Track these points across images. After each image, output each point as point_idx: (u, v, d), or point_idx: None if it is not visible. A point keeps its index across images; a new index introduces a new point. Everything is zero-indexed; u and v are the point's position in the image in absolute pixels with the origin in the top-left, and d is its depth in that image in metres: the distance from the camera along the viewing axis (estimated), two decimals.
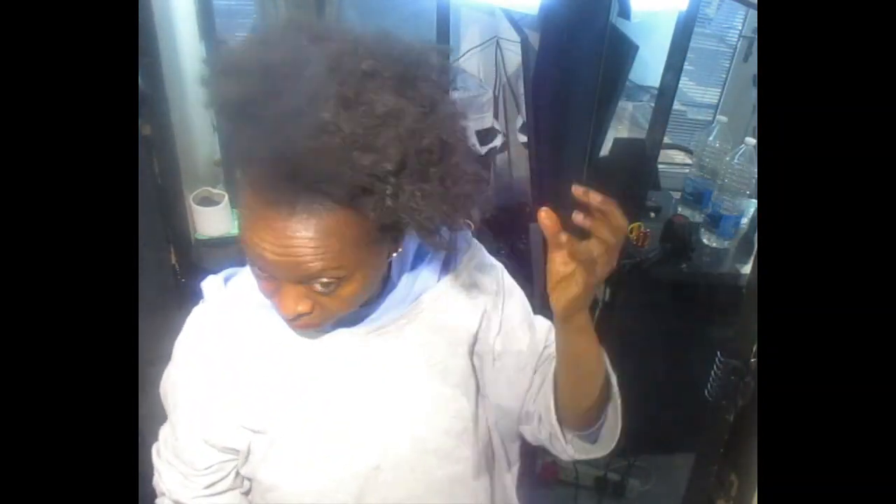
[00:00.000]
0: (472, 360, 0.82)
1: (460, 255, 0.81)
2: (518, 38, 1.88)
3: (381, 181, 0.58)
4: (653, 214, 1.92)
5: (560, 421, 0.78)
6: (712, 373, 1.21)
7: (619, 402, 0.77)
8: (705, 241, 1.81)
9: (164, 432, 0.85)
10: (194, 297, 0.85)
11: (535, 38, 1.79)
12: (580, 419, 0.78)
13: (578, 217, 0.60)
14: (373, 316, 0.76)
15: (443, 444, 0.79)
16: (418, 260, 0.79)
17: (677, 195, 2.01)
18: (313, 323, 0.69)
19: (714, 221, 1.77)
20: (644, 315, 1.73)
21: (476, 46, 2.07)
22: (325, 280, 0.64)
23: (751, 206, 1.80)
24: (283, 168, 0.56)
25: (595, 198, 0.60)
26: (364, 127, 0.56)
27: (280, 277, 0.65)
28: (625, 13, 1.68)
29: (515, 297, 0.84)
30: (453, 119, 0.63)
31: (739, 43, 2.84)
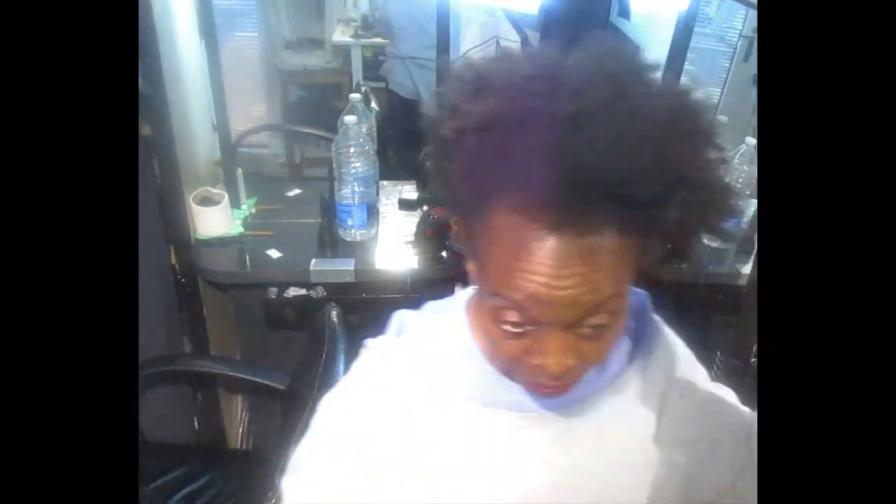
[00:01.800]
0: (660, 440, 0.71)
1: (653, 326, 0.74)
2: (518, 38, 1.88)
3: (683, 190, 0.53)
4: None
5: None
6: (712, 373, 1.21)
7: None
8: (705, 240, 1.80)
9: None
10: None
11: (535, 38, 1.79)
12: None
13: None
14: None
15: None
16: None
17: None
18: (572, 382, 0.60)
19: None
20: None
21: (476, 46, 2.07)
22: (599, 318, 0.56)
23: (751, 206, 1.80)
24: (588, 182, 0.50)
25: None
26: (675, 132, 0.52)
27: (547, 320, 0.55)
28: (625, 13, 1.69)
29: (694, 367, 0.76)
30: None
31: (739, 43, 2.84)
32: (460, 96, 0.57)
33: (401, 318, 0.74)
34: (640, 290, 0.74)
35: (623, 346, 0.73)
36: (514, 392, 0.66)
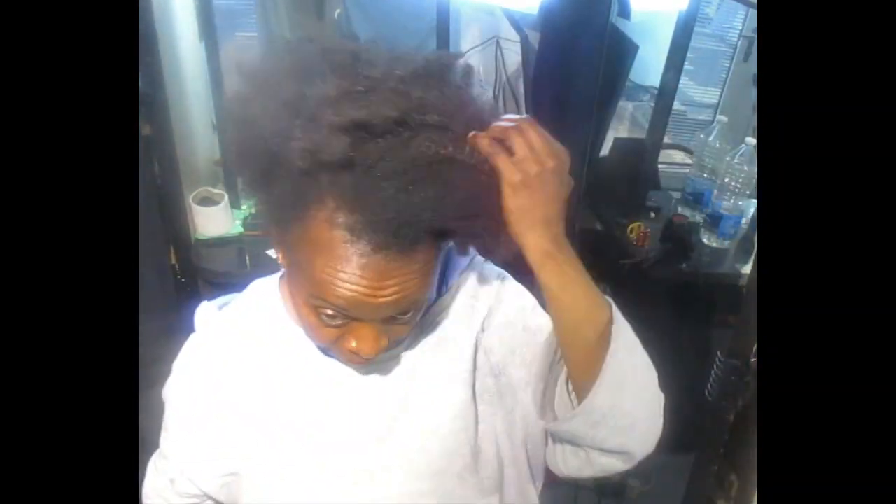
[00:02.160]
0: (472, 379, 0.75)
1: (459, 267, 0.77)
2: (518, 38, 1.88)
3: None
4: (653, 214, 1.92)
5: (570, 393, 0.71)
6: (712, 373, 1.21)
7: (631, 352, 0.68)
8: (705, 241, 1.81)
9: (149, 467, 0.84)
10: (193, 297, 0.86)
11: (535, 38, 1.79)
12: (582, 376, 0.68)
13: (483, 141, 0.59)
14: None
15: (443, 485, 0.73)
16: None
17: (677, 195, 2.01)
18: (379, 355, 0.65)
19: (714, 221, 1.77)
20: (644, 315, 1.73)
21: (476, 46, 2.07)
22: (410, 314, 0.63)
23: (751, 206, 1.80)
24: (418, 217, 0.55)
25: (502, 127, 0.60)
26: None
27: (365, 318, 0.61)
28: (625, 13, 1.69)
29: (517, 301, 0.78)
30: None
31: (739, 43, 2.84)
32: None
33: (205, 311, 0.80)
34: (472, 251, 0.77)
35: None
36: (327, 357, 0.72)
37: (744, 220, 1.80)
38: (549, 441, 0.76)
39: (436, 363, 0.74)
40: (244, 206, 1.77)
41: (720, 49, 2.93)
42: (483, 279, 0.77)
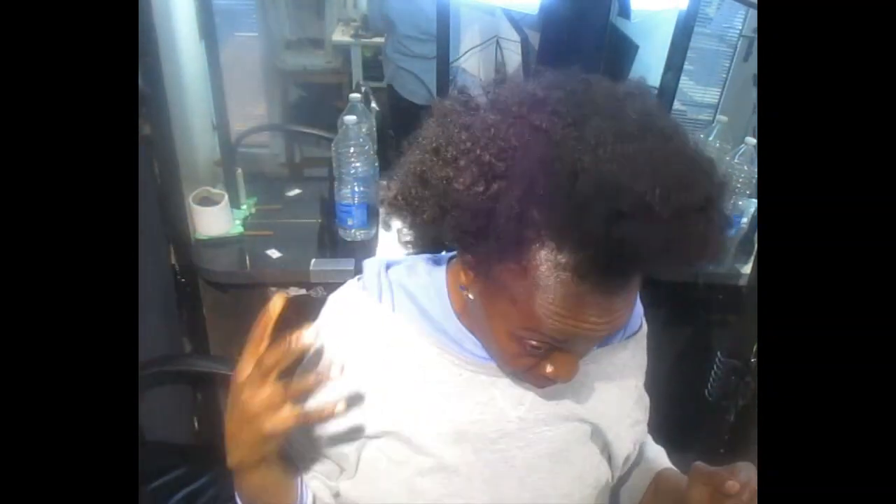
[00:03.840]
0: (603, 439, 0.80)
1: (639, 315, 0.84)
2: (518, 38, 1.88)
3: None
4: None
5: None
6: (712, 373, 1.21)
7: None
8: None
9: None
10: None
11: (535, 38, 1.79)
12: None
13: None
14: None
15: None
16: None
17: None
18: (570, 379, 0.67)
19: None
20: (644, 315, 1.72)
21: (476, 46, 2.07)
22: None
23: (751, 206, 1.80)
24: (641, 254, 0.54)
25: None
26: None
27: (574, 350, 0.64)
28: (625, 13, 1.68)
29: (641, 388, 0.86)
30: None
31: (739, 43, 2.84)
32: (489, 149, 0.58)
33: (371, 268, 0.77)
34: None
35: None
36: (479, 349, 0.73)
37: (744, 220, 1.80)
38: None
39: (582, 393, 0.76)
40: (244, 206, 1.77)
41: (720, 49, 2.93)
42: (644, 350, 0.85)
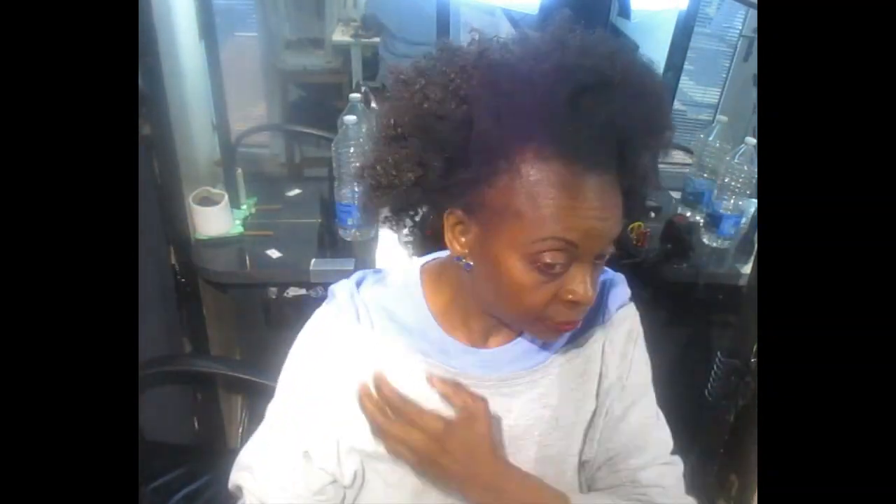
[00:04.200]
0: (592, 412, 0.78)
1: (615, 304, 0.80)
2: None
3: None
4: (653, 214, 1.92)
5: None
6: (712, 373, 1.21)
7: None
8: (705, 241, 1.80)
9: (266, 438, 0.78)
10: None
11: None
12: None
13: None
14: (511, 355, 0.74)
15: None
16: None
17: (677, 195, 2.01)
18: (582, 316, 0.68)
19: (714, 221, 1.77)
20: (644, 315, 1.73)
21: None
22: (609, 249, 0.64)
23: (751, 206, 1.80)
24: (617, 128, 0.60)
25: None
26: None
27: (590, 253, 0.63)
28: (625, 13, 1.68)
29: (642, 351, 0.83)
30: None
31: (739, 43, 2.85)
32: (467, 57, 0.64)
33: (344, 286, 0.76)
34: (612, 272, 0.83)
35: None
36: (465, 356, 0.73)
37: (744, 220, 1.80)
38: None
39: (572, 394, 0.76)
40: (244, 206, 1.77)
41: (720, 49, 2.94)
42: (634, 338, 0.82)
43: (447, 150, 0.63)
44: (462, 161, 0.62)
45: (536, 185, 0.59)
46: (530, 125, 0.59)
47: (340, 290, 0.76)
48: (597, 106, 0.58)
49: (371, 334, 0.73)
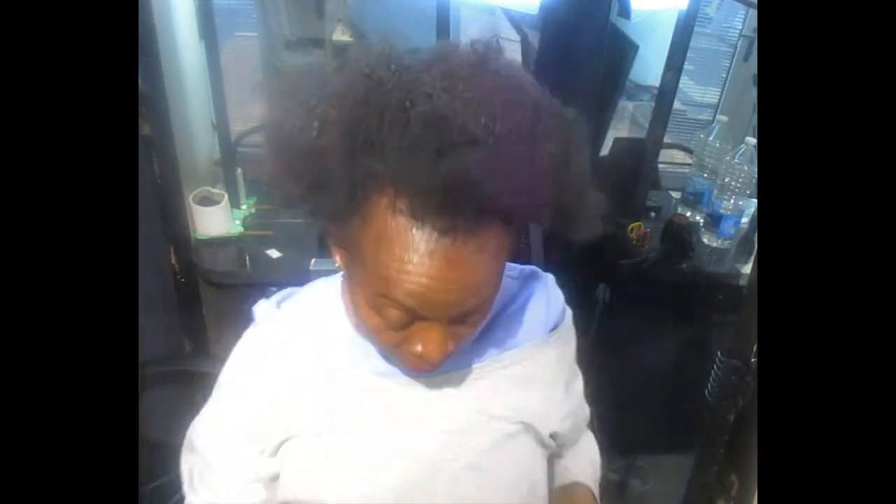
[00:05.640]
0: (533, 438, 0.77)
1: (560, 309, 0.80)
2: (518, 38, 1.88)
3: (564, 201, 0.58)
4: (653, 214, 1.92)
5: None
6: (712, 373, 1.21)
7: None
8: (705, 241, 1.81)
9: (200, 468, 0.74)
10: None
11: (535, 38, 1.79)
12: None
13: None
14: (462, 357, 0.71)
15: None
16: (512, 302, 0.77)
17: (677, 195, 2.01)
18: (444, 361, 0.62)
19: (714, 221, 1.77)
20: (644, 315, 1.73)
21: None
22: (477, 314, 0.60)
23: (751, 206, 1.80)
24: (483, 193, 0.51)
25: None
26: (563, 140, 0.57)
27: (432, 316, 0.58)
28: (625, 12, 1.68)
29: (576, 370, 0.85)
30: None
31: (739, 43, 2.84)
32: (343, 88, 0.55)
33: (265, 307, 0.76)
34: (533, 268, 0.81)
35: (524, 322, 0.78)
36: (389, 363, 0.70)
37: (744, 220, 1.80)
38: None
39: (508, 394, 0.73)
40: (244, 206, 1.77)
41: (720, 49, 2.94)
42: (571, 340, 0.82)
43: (304, 178, 0.57)
44: (319, 188, 0.56)
45: (381, 238, 0.54)
46: (388, 169, 0.52)
47: (260, 312, 0.75)
48: (458, 169, 0.50)
49: (298, 353, 0.70)
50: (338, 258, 0.64)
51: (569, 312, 0.82)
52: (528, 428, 0.75)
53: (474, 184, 0.51)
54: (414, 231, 0.53)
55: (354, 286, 0.61)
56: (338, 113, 0.54)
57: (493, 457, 0.72)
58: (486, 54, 0.58)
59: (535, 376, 0.76)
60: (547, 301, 0.79)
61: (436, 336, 0.59)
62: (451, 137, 0.51)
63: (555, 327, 0.79)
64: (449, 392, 0.71)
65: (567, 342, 0.82)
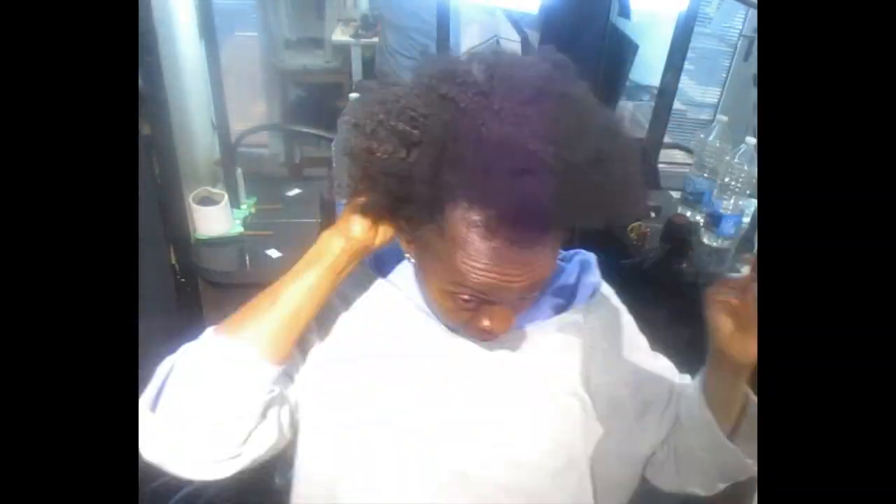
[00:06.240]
0: (582, 391, 0.80)
1: (590, 285, 0.85)
2: (518, 38, 1.88)
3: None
4: (653, 214, 1.92)
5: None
6: None
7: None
8: (705, 240, 1.80)
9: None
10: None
11: (535, 38, 1.79)
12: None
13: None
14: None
15: (532, 480, 0.76)
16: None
17: (677, 195, 2.01)
18: (502, 333, 0.71)
19: (714, 221, 1.77)
20: (644, 315, 1.72)
21: (476, 46, 2.07)
22: (532, 293, 0.68)
23: (751, 206, 1.80)
24: (549, 216, 0.61)
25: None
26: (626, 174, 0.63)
27: (499, 301, 0.67)
28: (625, 12, 1.68)
29: (637, 340, 0.87)
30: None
31: (739, 42, 2.85)
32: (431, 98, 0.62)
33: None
34: (585, 252, 0.88)
35: (555, 300, 0.84)
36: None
37: (744, 220, 1.80)
38: (667, 464, 0.83)
39: (553, 367, 0.79)
40: (244, 206, 1.77)
41: (720, 49, 2.94)
42: (616, 310, 0.87)
43: (392, 193, 0.65)
44: (403, 198, 0.64)
45: (456, 239, 0.63)
46: (463, 186, 0.60)
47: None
48: (527, 193, 0.58)
49: (395, 291, 0.79)
50: (404, 246, 0.73)
51: (607, 288, 0.89)
52: (572, 389, 0.79)
53: (543, 206, 0.58)
54: (486, 241, 0.61)
55: (429, 275, 0.70)
56: (420, 134, 0.61)
57: (533, 412, 0.77)
58: (551, 74, 0.64)
59: (574, 344, 0.81)
60: (588, 274, 0.86)
61: (502, 313, 0.69)
62: (520, 162, 0.57)
63: (592, 297, 0.85)
64: (502, 352, 0.77)
65: (599, 314, 0.85)
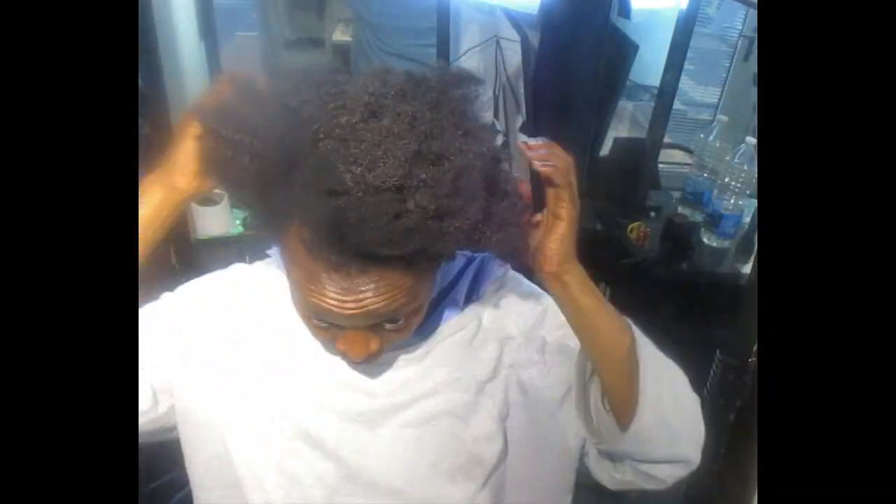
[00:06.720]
0: (493, 390, 0.75)
1: (487, 281, 0.78)
2: (518, 38, 1.88)
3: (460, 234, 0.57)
4: (653, 214, 1.92)
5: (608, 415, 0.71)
6: (711, 372, 1.21)
7: (662, 371, 0.70)
8: (705, 240, 1.81)
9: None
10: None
11: (535, 38, 1.79)
12: (623, 405, 0.69)
13: (536, 164, 0.62)
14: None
15: (435, 488, 0.72)
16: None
17: (677, 195, 2.01)
18: (378, 357, 0.67)
19: (714, 221, 1.77)
20: (644, 315, 1.73)
21: (476, 46, 2.07)
22: (396, 322, 0.63)
23: (751, 206, 1.80)
24: (371, 242, 0.54)
25: (537, 144, 0.62)
26: (442, 194, 0.55)
27: (348, 327, 0.63)
28: (625, 12, 1.69)
29: (555, 320, 0.76)
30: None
31: (739, 42, 2.85)
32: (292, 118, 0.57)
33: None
34: (508, 267, 0.80)
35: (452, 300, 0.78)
36: None
37: (744, 220, 1.80)
38: (595, 457, 0.77)
39: (452, 366, 0.74)
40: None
41: (720, 49, 2.94)
42: (523, 295, 0.78)
43: (246, 200, 0.62)
44: (263, 207, 0.60)
45: (293, 261, 0.60)
46: (293, 206, 0.56)
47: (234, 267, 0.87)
48: (336, 215, 0.53)
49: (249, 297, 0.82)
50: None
51: (504, 282, 0.79)
52: (478, 387, 0.74)
53: (345, 230, 0.54)
54: (311, 261, 0.58)
55: (292, 293, 0.65)
56: (260, 146, 0.57)
57: (433, 421, 0.73)
58: (381, 97, 0.57)
59: (476, 341, 0.75)
60: (480, 271, 0.79)
61: (355, 339, 0.63)
62: (329, 183, 0.53)
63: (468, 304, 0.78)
64: (389, 372, 0.73)
65: (513, 302, 0.78)
